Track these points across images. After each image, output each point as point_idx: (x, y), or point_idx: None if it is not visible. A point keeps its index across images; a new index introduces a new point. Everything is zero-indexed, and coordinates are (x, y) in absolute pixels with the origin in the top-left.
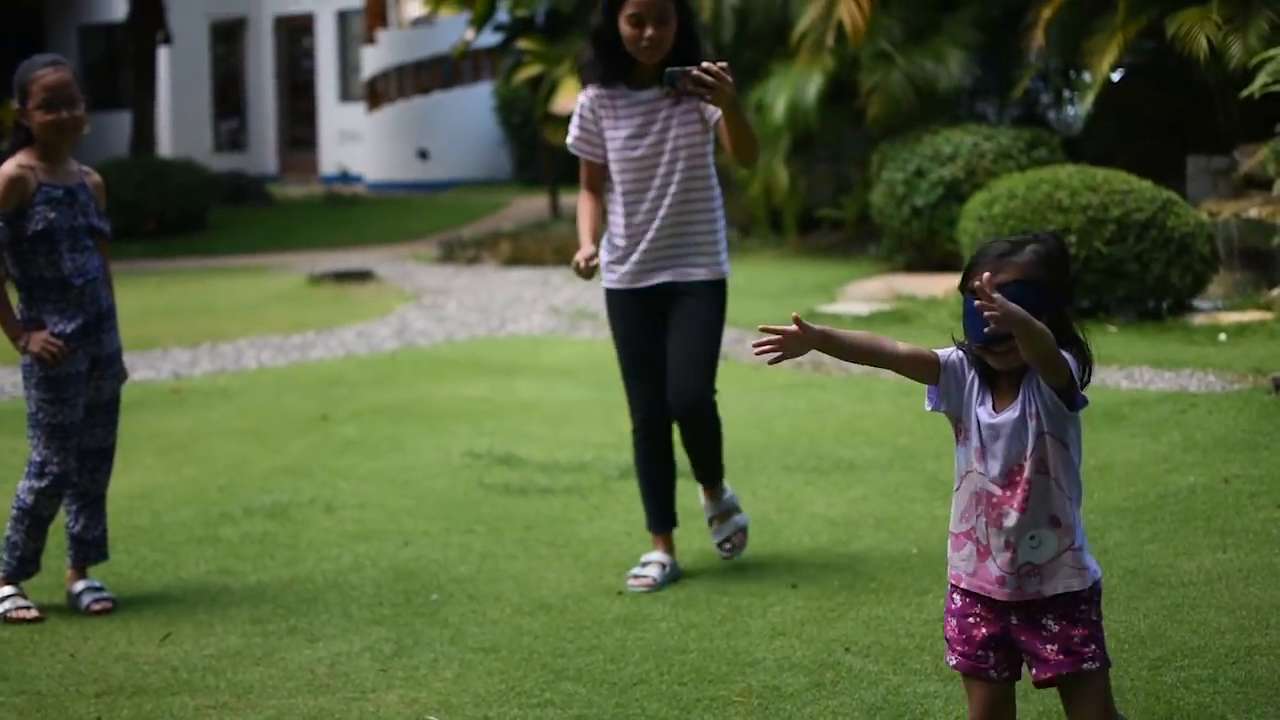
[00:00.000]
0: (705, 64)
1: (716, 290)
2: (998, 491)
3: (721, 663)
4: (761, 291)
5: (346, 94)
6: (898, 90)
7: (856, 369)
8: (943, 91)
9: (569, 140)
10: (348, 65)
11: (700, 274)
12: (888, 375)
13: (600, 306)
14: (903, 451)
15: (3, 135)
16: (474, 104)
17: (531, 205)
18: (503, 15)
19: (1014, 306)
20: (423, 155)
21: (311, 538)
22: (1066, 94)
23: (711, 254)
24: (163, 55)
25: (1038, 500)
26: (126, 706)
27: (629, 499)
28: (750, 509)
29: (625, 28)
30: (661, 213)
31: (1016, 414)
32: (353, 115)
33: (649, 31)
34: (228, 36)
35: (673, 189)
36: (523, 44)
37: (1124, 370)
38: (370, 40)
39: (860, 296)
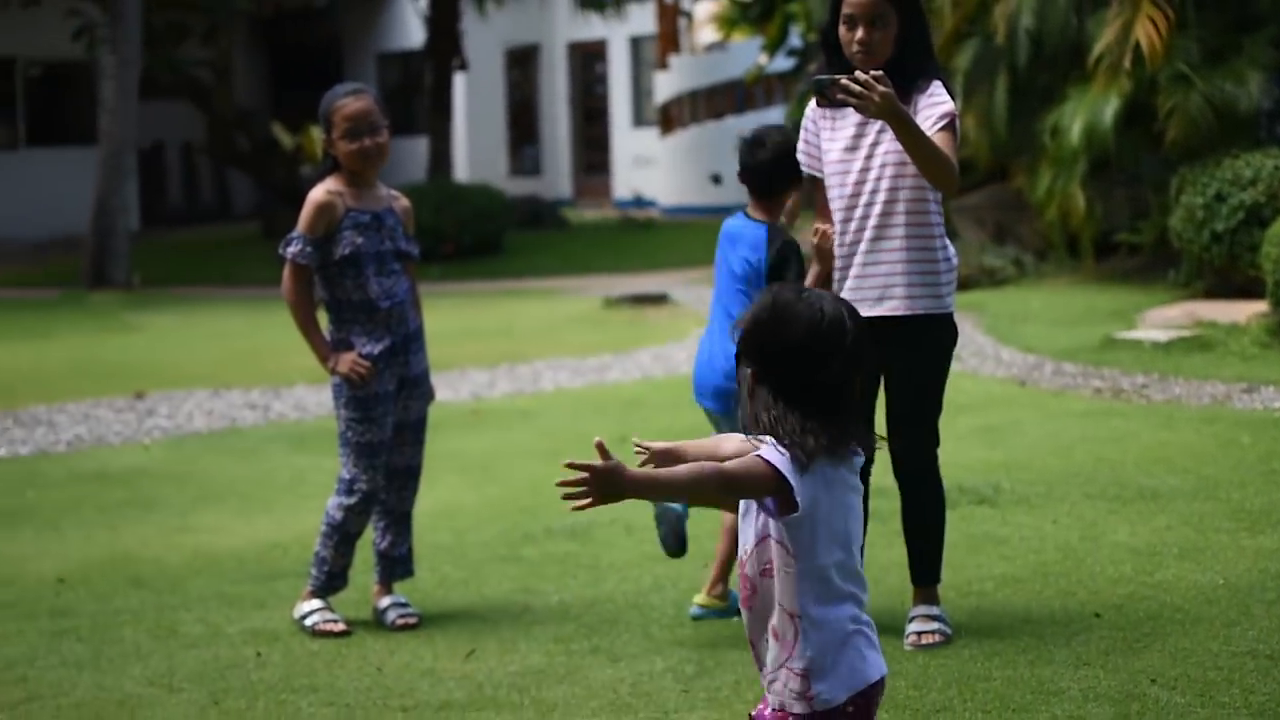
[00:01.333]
0: (857, 72)
1: (933, 328)
2: (745, 583)
3: (1025, 691)
4: (1057, 318)
5: (639, 119)
6: (1196, 112)
7: (1158, 396)
8: (1242, 113)
9: (798, 153)
10: (640, 90)
11: (913, 308)
12: (1191, 402)
13: None
14: (1207, 480)
15: (304, 161)
16: None
17: None
18: (795, 40)
19: (617, 475)
20: (716, 180)
21: (612, 558)
22: None
23: (928, 285)
24: (459, 81)
25: (762, 603)
26: None
27: None
28: (1052, 537)
29: (841, 30)
30: (867, 234)
31: (755, 505)
32: (646, 140)
33: (860, 34)
34: (522, 63)
35: (877, 209)
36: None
37: None
38: (663, 66)
39: (1159, 323)
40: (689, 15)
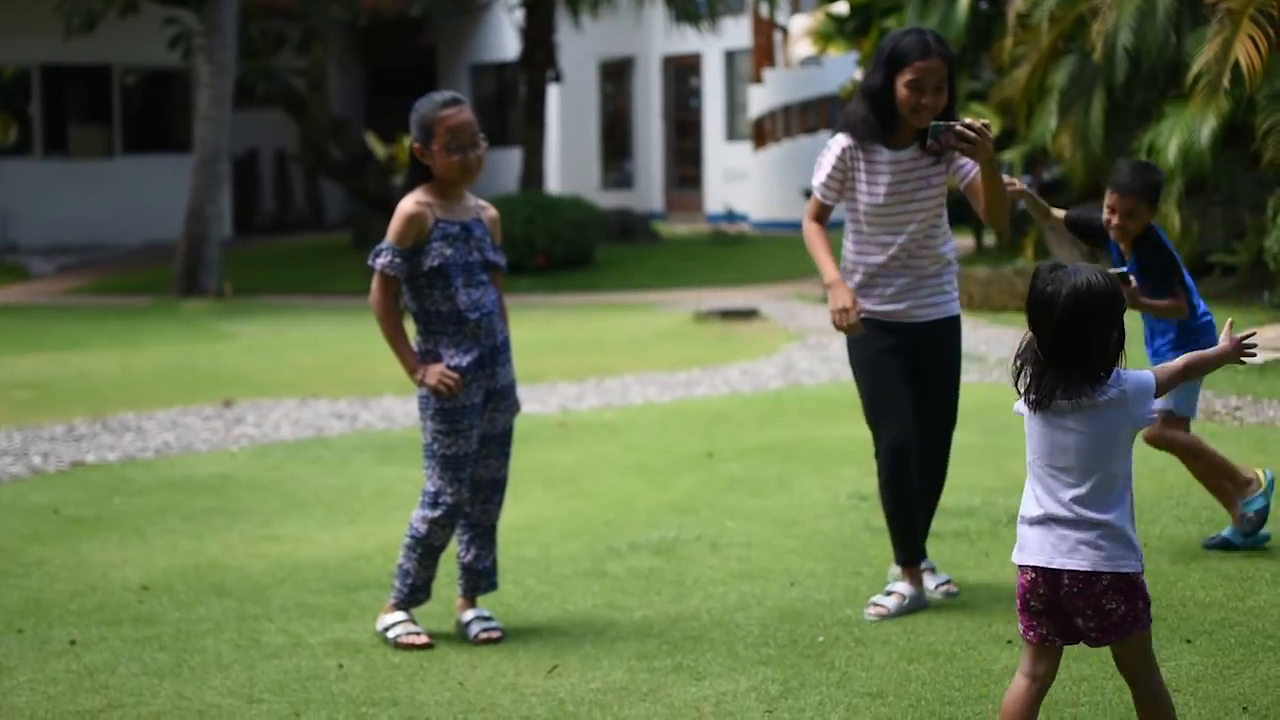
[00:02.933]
0: (969, 120)
1: (958, 328)
2: None
3: (1113, 718)
4: None
5: (733, 133)
6: None
7: (1251, 419)
8: None
9: (818, 183)
10: (734, 104)
11: (934, 314)
12: None
13: (988, 349)
14: None
15: (396, 171)
16: None
17: None
18: None
19: None
20: (808, 195)
21: (697, 575)
22: None
23: (948, 294)
24: (552, 94)
25: None
26: None
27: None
28: (1144, 561)
29: (902, 91)
30: (895, 253)
31: None
32: (739, 154)
33: (925, 99)
34: (616, 76)
35: (910, 231)
36: None
37: None
38: (757, 80)
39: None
40: (784, 29)
